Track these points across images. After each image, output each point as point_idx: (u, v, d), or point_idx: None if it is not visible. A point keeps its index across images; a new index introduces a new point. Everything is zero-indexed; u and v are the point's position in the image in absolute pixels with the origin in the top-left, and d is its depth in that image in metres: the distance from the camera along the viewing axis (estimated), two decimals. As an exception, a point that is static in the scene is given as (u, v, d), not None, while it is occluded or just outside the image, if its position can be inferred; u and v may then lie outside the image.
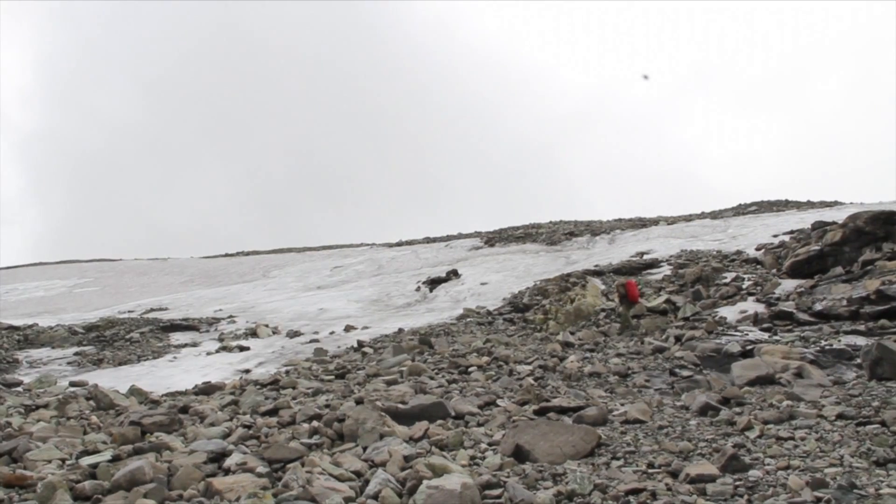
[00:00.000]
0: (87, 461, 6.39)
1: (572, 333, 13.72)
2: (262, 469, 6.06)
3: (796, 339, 10.68)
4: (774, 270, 16.02)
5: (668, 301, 14.77)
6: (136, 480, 5.66)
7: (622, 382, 9.68)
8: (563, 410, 7.87)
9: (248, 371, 13.08)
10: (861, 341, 10.00)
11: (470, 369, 10.75)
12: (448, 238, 36.19)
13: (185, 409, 8.93)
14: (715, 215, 30.15)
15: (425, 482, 5.42)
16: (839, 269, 13.85)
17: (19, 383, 12.25)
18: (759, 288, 14.66)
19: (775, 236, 20.09)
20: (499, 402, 8.58)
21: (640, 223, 30.31)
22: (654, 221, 30.49)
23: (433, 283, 23.03)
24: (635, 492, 5.38)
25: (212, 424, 7.95)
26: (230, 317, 20.14)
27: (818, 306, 12.05)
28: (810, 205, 29.10)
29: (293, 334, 16.98)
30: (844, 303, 11.68)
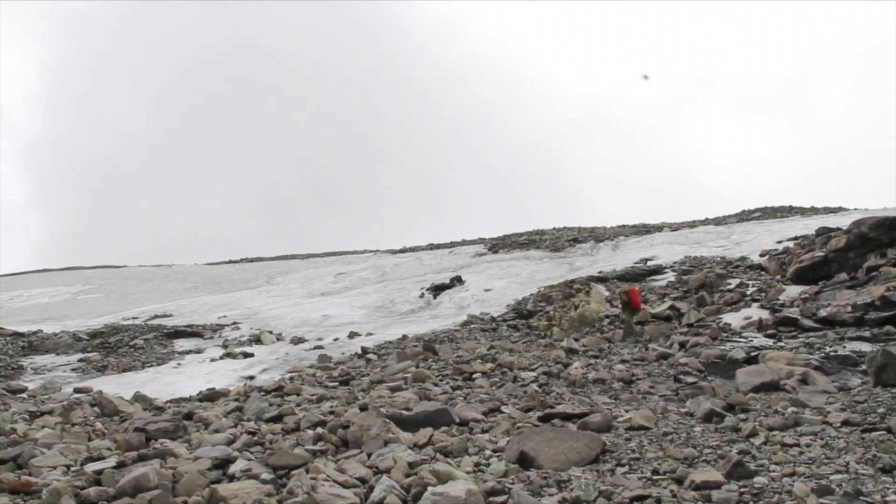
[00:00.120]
0: (91, 468, 6.40)
1: (576, 340, 13.70)
2: (266, 475, 6.07)
3: (801, 346, 10.65)
4: (779, 277, 16.00)
5: (672, 307, 14.76)
6: (140, 487, 5.66)
7: (627, 389, 9.65)
8: (567, 417, 7.86)
9: (252, 377, 13.09)
10: (866, 347, 9.97)
11: (474, 376, 10.74)
12: (452, 245, 36.21)
13: (189, 416, 8.93)
14: (719, 221, 30.13)
15: (430, 489, 5.42)
16: (844, 276, 13.82)
17: (24, 390, 12.28)
18: (763, 294, 14.63)
19: (779, 242, 20.07)
20: (503, 408, 8.57)
21: (644, 229, 30.31)
22: (658, 228, 30.48)
23: (437, 289, 23.04)
24: (640, 498, 5.36)
25: (216, 431, 7.95)
26: (234, 323, 20.17)
27: (823, 312, 12.02)
28: (814, 211, 29.07)
29: (297, 341, 17.00)
30: (849, 309, 11.64)
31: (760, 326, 12.25)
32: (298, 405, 9.32)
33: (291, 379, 12.04)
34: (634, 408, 8.40)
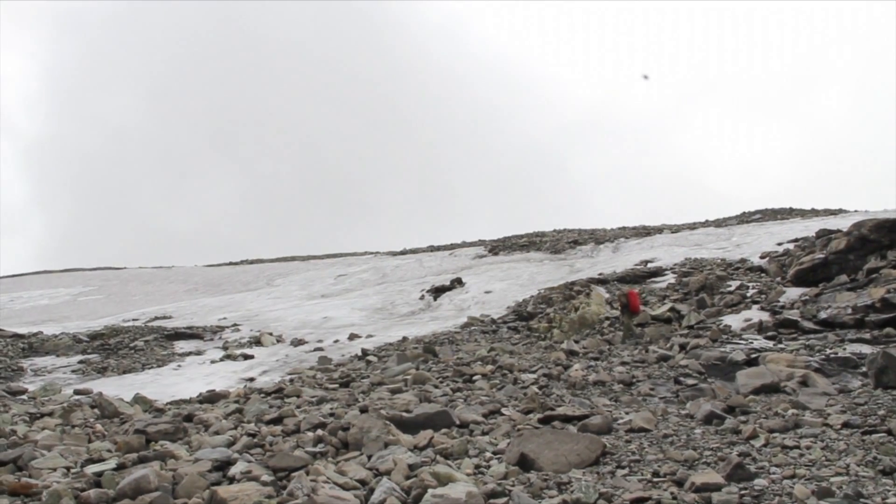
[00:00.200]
0: (92, 469, 6.40)
1: (576, 342, 13.70)
2: (266, 477, 6.06)
3: (801, 348, 10.65)
4: (779, 279, 16.00)
5: (672, 309, 14.76)
6: (140, 489, 5.66)
7: (627, 391, 9.65)
8: (567, 419, 7.86)
9: (252, 379, 13.08)
10: (866, 349, 9.97)
11: (474, 378, 10.74)
12: (452, 246, 36.22)
13: (189, 418, 8.93)
14: (719, 223, 30.14)
15: (430, 491, 5.42)
16: (844, 278, 13.82)
17: (24, 391, 12.28)
18: (763, 296, 14.64)
19: (780, 244, 20.07)
20: (503, 410, 8.57)
21: (645, 231, 30.32)
22: (658, 230, 30.50)
23: (437, 291, 23.04)
24: (640, 500, 5.36)
25: (216, 433, 7.95)
26: (234, 325, 20.18)
27: (823, 314, 12.02)
28: (815, 213, 29.09)
29: (297, 343, 17.00)
30: (849, 311, 11.64)
31: (761, 328, 12.25)
32: (299, 407, 9.32)
33: (291, 381, 12.04)
34: (635, 410, 8.40)
